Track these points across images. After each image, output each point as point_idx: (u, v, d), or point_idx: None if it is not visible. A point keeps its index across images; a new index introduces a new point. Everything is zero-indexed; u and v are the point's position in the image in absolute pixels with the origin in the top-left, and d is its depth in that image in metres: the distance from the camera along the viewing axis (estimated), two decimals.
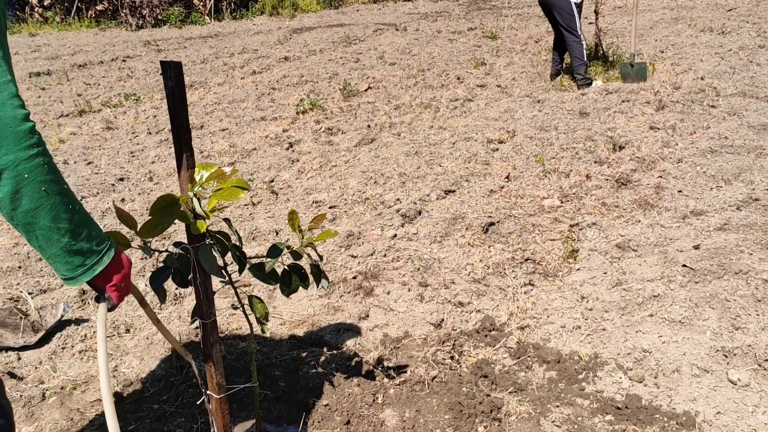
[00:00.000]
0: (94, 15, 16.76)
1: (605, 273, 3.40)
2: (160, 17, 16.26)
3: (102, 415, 2.63)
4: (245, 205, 4.63)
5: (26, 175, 1.40)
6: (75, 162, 5.68)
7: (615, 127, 5.46)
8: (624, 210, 4.04)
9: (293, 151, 5.72)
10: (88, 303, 3.43)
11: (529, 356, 2.83)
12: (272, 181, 5.07)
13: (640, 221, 3.87)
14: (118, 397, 2.70)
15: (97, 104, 7.56)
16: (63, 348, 3.07)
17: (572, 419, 2.45)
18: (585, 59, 6.82)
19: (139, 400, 2.69)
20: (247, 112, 7.01)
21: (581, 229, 3.86)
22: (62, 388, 2.78)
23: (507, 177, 4.71)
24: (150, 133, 6.31)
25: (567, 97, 6.57)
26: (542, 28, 10.84)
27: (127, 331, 3.21)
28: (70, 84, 8.80)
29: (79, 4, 16.69)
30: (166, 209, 1.96)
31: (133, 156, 5.73)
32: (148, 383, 2.80)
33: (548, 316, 3.11)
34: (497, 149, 5.30)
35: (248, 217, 4.44)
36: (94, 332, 3.16)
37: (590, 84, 6.83)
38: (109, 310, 1.73)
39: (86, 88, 8.41)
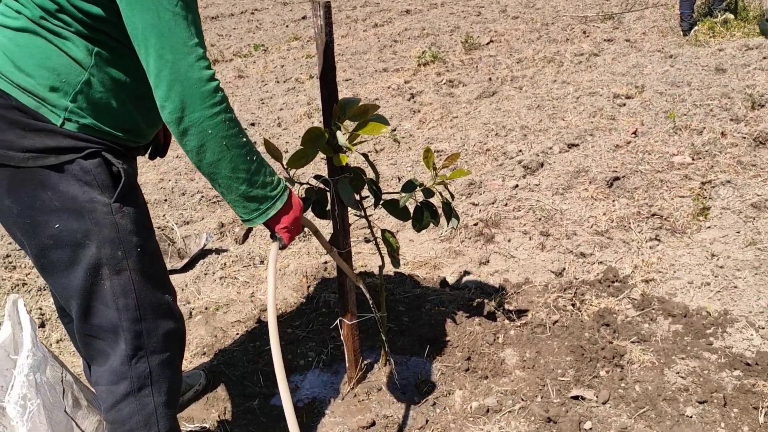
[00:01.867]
0: None
1: (738, 232, 3.27)
2: None
3: (242, 333, 2.85)
4: (369, 152, 4.77)
5: (210, 131, 1.54)
6: None
7: (754, 84, 5.15)
8: (761, 169, 3.84)
9: (415, 102, 5.78)
10: (227, 235, 3.68)
11: (653, 309, 2.80)
12: (395, 130, 5.17)
13: None
14: (256, 320, 2.92)
15: (229, 54, 7.91)
16: (205, 274, 3.33)
17: (698, 372, 2.43)
18: (690, 9, 6.63)
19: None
20: (369, 64, 7.12)
21: (714, 187, 3.71)
22: (206, 308, 3.04)
23: (634, 132, 4.57)
24: (278, 82, 6.56)
25: (702, 52, 6.23)
26: None
27: (261, 262, 3.43)
28: (204, 35, 9.23)
29: None
30: (313, 141, 2.09)
31: (263, 103, 5.99)
32: (282, 309, 3.00)
33: (675, 272, 3.05)
34: (624, 104, 5.13)
35: None
36: (233, 261, 3.41)
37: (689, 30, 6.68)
38: (281, 248, 1.87)
39: (219, 39, 8.80)
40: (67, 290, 1.67)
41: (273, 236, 1.85)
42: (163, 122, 1.80)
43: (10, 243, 3.55)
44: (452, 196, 2.42)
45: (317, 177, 2.35)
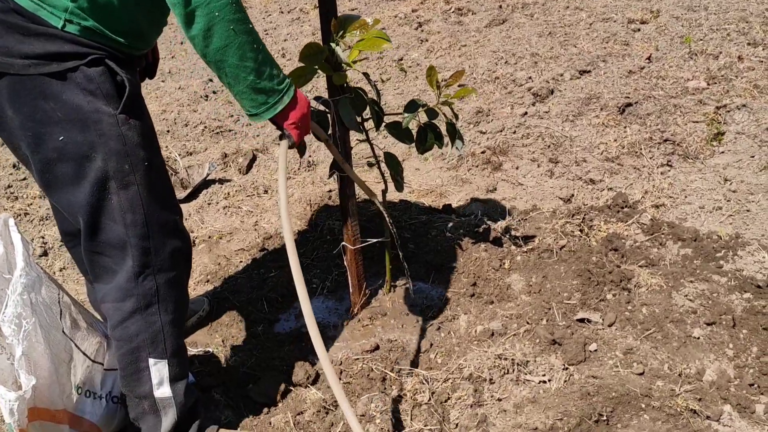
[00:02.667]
0: None
1: (753, 156, 3.19)
2: None
3: (246, 261, 2.84)
4: (374, 81, 4.65)
5: (216, 13, 1.48)
6: None
7: None
8: None
9: (422, 30, 5.62)
10: (230, 165, 3.64)
11: (663, 233, 2.75)
12: (401, 59, 5.04)
13: None
14: (259, 247, 2.90)
15: None
16: (209, 204, 3.30)
17: (707, 294, 2.39)
18: None
19: (278, 250, 2.87)
20: None
21: (729, 112, 3.61)
22: (209, 237, 3.02)
23: (648, 58, 4.43)
24: (282, 12, 6.39)
25: None
26: None
27: (265, 192, 3.39)
28: None
29: None
30: (312, 57, 2.01)
31: (267, 33, 5.85)
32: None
33: (686, 197, 2.99)
34: (638, 29, 4.96)
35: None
36: (236, 191, 3.37)
37: None
38: (290, 147, 1.85)
39: None
40: (74, 206, 1.64)
41: (281, 135, 1.83)
42: (163, 25, 1.76)
43: (11, 174, 3.53)
44: (456, 117, 2.35)
45: (317, 98, 2.28)
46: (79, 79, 1.54)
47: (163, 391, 1.78)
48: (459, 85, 2.64)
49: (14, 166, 3.60)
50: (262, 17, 6.38)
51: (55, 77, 1.52)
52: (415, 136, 2.32)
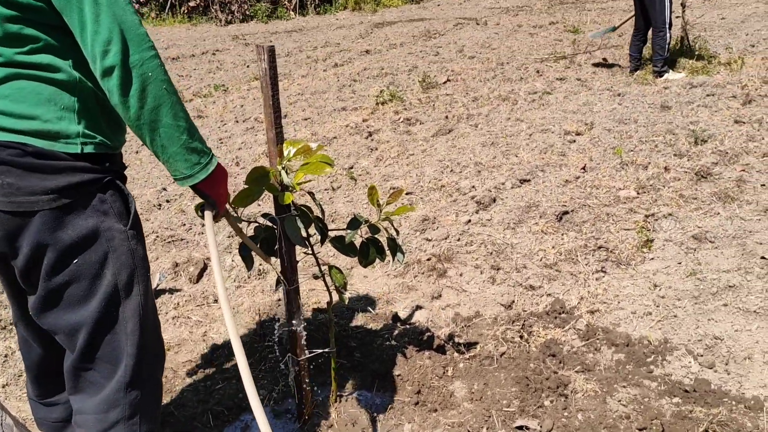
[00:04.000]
0: (186, 11, 17.46)
1: (680, 263, 3.39)
2: (247, 13, 16.79)
3: (193, 373, 2.85)
4: (325, 189, 4.82)
5: (150, 74, 1.55)
6: None
7: (698, 120, 5.36)
8: (702, 202, 3.99)
9: (372, 140, 5.88)
10: (180, 274, 3.69)
11: (597, 339, 2.88)
12: (351, 167, 5.25)
13: (719, 213, 3.83)
14: (206, 358, 2.92)
15: (189, 94, 7.96)
16: (159, 313, 3.32)
17: (639, 399, 2.50)
18: (666, 54, 6.74)
19: (227, 362, 2.90)
20: (328, 103, 7.23)
21: (657, 220, 3.85)
22: None
23: (583, 168, 4.72)
24: (237, 122, 6.62)
25: (648, 90, 6.47)
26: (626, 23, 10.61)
27: (215, 301, 3.44)
28: None
29: (172, 1, 17.43)
30: (258, 179, 2.14)
31: (221, 142, 6.03)
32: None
33: (619, 302, 3.15)
34: (574, 141, 5.30)
35: (328, 201, 4.63)
36: (186, 301, 3.41)
37: (664, 74, 6.80)
38: (214, 218, 1.90)
39: (179, 80, 8.85)
40: (77, 324, 1.69)
41: (204, 207, 1.88)
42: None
43: None
44: (397, 232, 2.48)
45: (265, 215, 2.40)
46: (95, 203, 1.64)
47: None
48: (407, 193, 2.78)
49: None
50: (218, 126, 6.59)
51: (73, 206, 1.61)
52: (358, 250, 2.44)
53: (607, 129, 5.44)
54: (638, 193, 4.22)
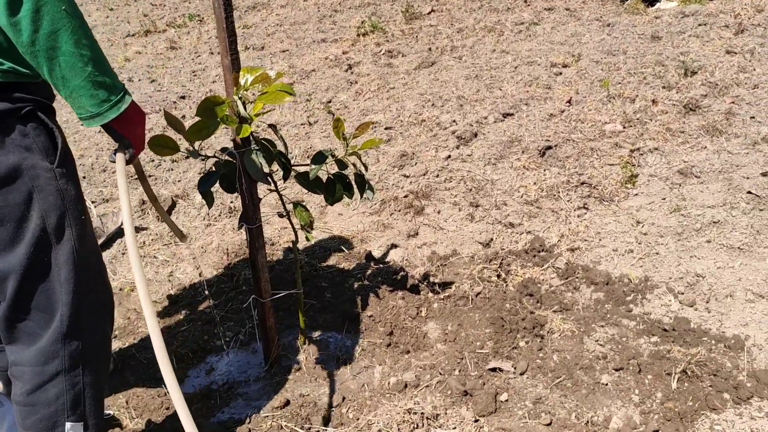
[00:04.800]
0: None
1: (664, 199, 3.28)
2: None
3: (157, 314, 2.75)
4: (302, 124, 4.65)
5: None
6: (139, 80, 5.79)
7: (688, 51, 5.17)
8: (689, 136, 3.86)
9: (352, 73, 5.66)
10: (147, 212, 3.54)
11: (577, 277, 2.79)
12: (330, 101, 5.06)
13: (705, 147, 3.70)
14: (172, 299, 2.82)
15: (162, 24, 7.63)
16: (123, 253, 3.20)
17: (616, 339, 2.42)
18: None
19: (192, 303, 2.79)
20: (308, 34, 6.95)
21: (642, 155, 3.72)
22: (120, 289, 2.92)
23: (568, 101, 4.55)
24: (212, 53, 6.36)
25: (639, 20, 6.24)
26: None
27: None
28: (137, 4, 8.89)
29: None
30: (210, 110, 1.98)
31: (195, 75, 5.80)
32: (201, 289, 2.90)
33: (600, 240, 3.05)
34: (560, 73, 5.11)
35: (304, 136, 4.46)
36: (152, 239, 3.28)
37: (656, 3, 6.56)
38: (128, 162, 1.70)
39: (152, 9, 8.48)
40: (5, 270, 1.56)
41: (117, 149, 1.69)
42: None
43: None
44: (366, 168, 2.34)
45: (224, 149, 2.25)
46: (14, 136, 1.48)
47: None
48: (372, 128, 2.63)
49: None
50: (191, 58, 6.33)
51: None
52: (324, 187, 2.30)
53: (595, 61, 5.24)
54: (624, 127, 4.07)
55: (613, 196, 3.40)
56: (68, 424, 1.68)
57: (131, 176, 3.71)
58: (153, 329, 1.50)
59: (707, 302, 2.55)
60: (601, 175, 3.58)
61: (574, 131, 4.10)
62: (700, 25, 5.79)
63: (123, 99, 1.57)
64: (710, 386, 2.16)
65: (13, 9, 1.34)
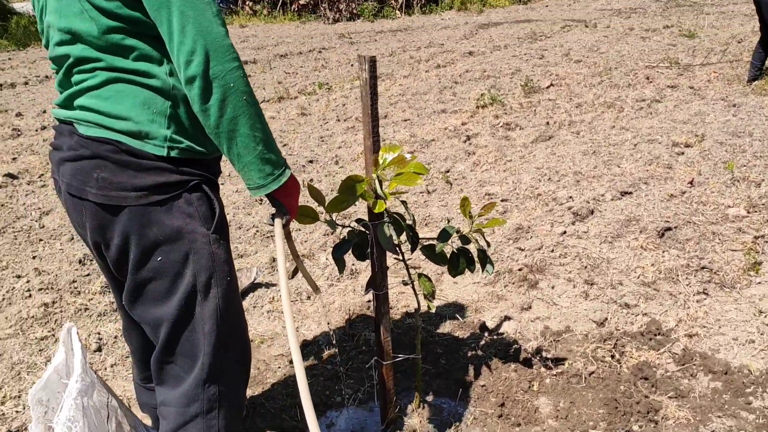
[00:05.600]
0: (296, 9, 17.97)
1: None
2: (354, 11, 17.09)
3: (284, 367, 2.96)
4: (421, 192, 4.86)
5: (231, 85, 1.61)
6: None
7: None
8: None
9: (470, 144, 5.86)
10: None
11: (694, 364, 2.77)
12: (448, 171, 5.26)
13: None
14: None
15: (294, 92, 8.19)
16: (254, 307, 3.47)
17: (734, 431, 2.39)
18: (760, 62, 6.37)
19: (316, 359, 2.99)
20: (428, 105, 7.25)
21: (767, 242, 3.64)
22: (251, 341, 3.16)
23: (690, 182, 4.52)
24: (338, 120, 6.76)
25: (767, 102, 6.11)
26: (747, 28, 10.06)
27: (308, 297, 3.54)
28: (272, 72, 9.59)
29: None
30: (351, 188, 2.20)
31: (323, 140, 6.18)
32: (324, 345, 3.09)
33: (720, 327, 3.01)
34: (682, 153, 5.08)
35: (423, 204, 4.66)
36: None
37: (753, 80, 6.44)
38: (284, 225, 1.93)
39: (286, 77, 9.13)
40: (159, 319, 1.81)
41: (275, 215, 1.91)
42: None
43: (76, 269, 3.79)
44: (488, 244, 2.48)
45: (358, 221, 2.46)
46: (180, 204, 1.74)
47: None
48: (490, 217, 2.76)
49: (80, 261, 3.87)
50: (320, 124, 6.75)
51: (160, 205, 1.72)
52: (448, 260, 2.46)
53: (719, 142, 5.18)
54: (748, 212, 4.00)
55: (734, 282, 3.34)
56: None
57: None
58: (301, 379, 1.70)
59: None
60: (723, 260, 3.54)
61: (696, 213, 4.07)
62: None
63: (284, 173, 1.79)
64: None
65: (205, 98, 1.62)
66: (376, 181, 2.24)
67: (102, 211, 1.72)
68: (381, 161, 2.27)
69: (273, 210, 1.96)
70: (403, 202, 2.41)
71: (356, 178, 2.22)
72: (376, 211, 2.26)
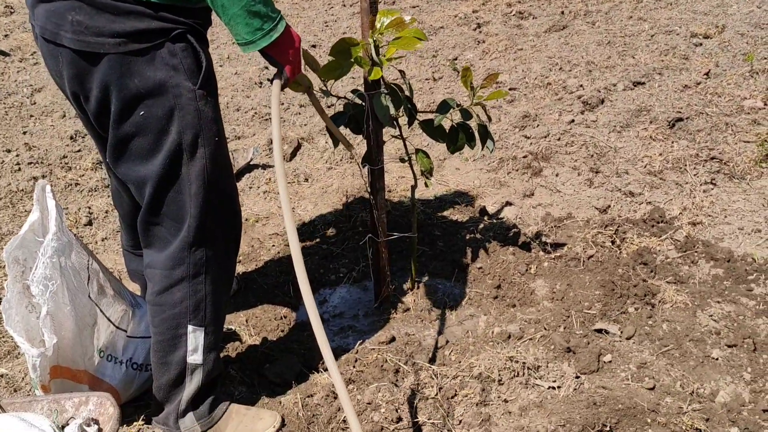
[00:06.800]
0: None
1: None
2: None
3: (278, 245, 2.92)
4: (426, 79, 4.69)
5: None
6: None
7: None
8: None
9: (480, 32, 5.62)
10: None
11: (696, 251, 2.71)
12: (455, 59, 5.06)
13: None
14: None
15: None
16: (250, 187, 3.40)
17: (732, 316, 2.35)
18: None
19: (311, 238, 2.94)
20: None
21: None
22: (246, 219, 3.11)
23: (706, 73, 4.33)
24: (344, 5, 6.47)
25: None
26: None
27: (306, 180, 3.47)
28: None
29: None
30: (345, 51, 2.06)
31: (326, 25, 5.94)
32: (320, 226, 3.04)
33: (726, 217, 2.93)
34: (700, 44, 4.85)
35: (428, 91, 4.50)
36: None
37: None
38: (282, 87, 1.80)
39: None
40: (144, 177, 1.72)
41: (274, 75, 1.80)
42: None
43: (67, 144, 3.71)
44: (489, 119, 2.37)
45: (354, 91, 2.34)
46: (163, 54, 1.61)
47: (195, 358, 1.86)
48: (497, 84, 2.64)
49: (71, 137, 3.78)
50: (325, 9, 6.48)
51: (141, 54, 1.59)
52: (447, 135, 2.35)
53: (741, 33, 4.93)
54: (765, 104, 3.84)
55: (744, 174, 3.24)
56: (190, 327, 1.83)
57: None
58: (296, 255, 1.66)
59: None
60: (734, 151, 3.41)
61: (709, 105, 3.91)
62: None
63: (275, 28, 1.65)
64: None
65: None
66: (372, 46, 2.10)
67: (79, 59, 1.60)
68: (378, 25, 2.13)
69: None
70: (401, 72, 2.28)
71: (351, 41, 2.08)
72: (371, 78, 2.13)
